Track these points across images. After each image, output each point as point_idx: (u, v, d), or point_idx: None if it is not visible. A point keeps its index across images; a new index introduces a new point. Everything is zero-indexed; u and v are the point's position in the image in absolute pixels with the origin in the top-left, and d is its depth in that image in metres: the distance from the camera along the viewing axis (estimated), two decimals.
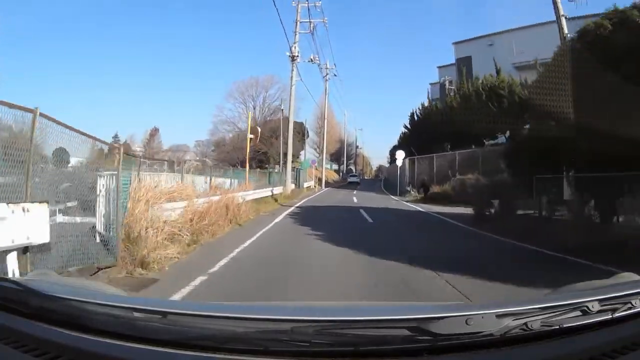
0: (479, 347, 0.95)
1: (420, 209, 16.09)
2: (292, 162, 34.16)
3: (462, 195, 16.19)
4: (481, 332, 0.94)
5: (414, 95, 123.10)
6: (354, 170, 62.62)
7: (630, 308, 1.07)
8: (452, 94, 29.74)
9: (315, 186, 33.41)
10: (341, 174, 60.83)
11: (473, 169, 19.26)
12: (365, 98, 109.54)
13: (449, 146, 25.48)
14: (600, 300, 1.05)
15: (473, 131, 21.84)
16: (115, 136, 49.32)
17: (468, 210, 12.59)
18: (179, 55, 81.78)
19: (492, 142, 22.61)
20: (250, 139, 19.61)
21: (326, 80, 37.39)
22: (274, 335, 0.92)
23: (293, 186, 25.15)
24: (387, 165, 61.60)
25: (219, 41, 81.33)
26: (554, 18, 11.66)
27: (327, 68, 36.01)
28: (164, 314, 0.98)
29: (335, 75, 37.15)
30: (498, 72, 24.53)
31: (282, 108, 32.44)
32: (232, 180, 16.22)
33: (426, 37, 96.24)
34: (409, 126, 35.40)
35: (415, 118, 33.79)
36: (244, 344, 0.92)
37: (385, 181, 43.85)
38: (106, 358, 0.91)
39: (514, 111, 18.43)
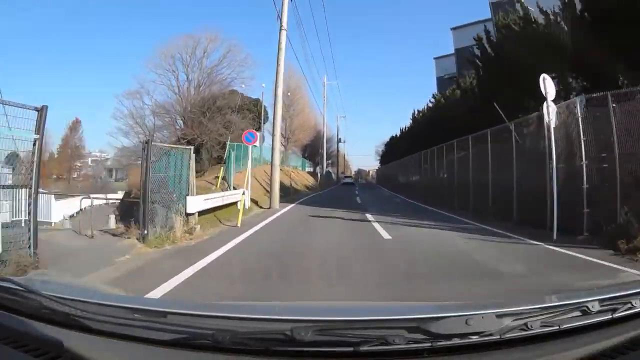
0: (479, 347, 0.94)
1: None
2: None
3: None
4: (481, 332, 0.93)
5: (401, 93, 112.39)
6: (332, 174, 50.91)
7: (630, 308, 1.06)
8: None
9: (243, 207, 9.31)
10: (318, 176, 41.99)
11: None
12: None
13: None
14: (600, 300, 1.06)
15: None
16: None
17: None
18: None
19: None
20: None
21: None
22: (274, 335, 0.92)
23: None
24: (375, 166, 52.62)
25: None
26: None
27: None
28: (164, 314, 0.98)
29: None
30: None
31: None
32: None
33: None
34: (478, 61, 14.99)
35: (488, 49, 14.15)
36: (244, 344, 0.92)
37: (393, 187, 30.45)
38: (106, 358, 0.91)
39: None
